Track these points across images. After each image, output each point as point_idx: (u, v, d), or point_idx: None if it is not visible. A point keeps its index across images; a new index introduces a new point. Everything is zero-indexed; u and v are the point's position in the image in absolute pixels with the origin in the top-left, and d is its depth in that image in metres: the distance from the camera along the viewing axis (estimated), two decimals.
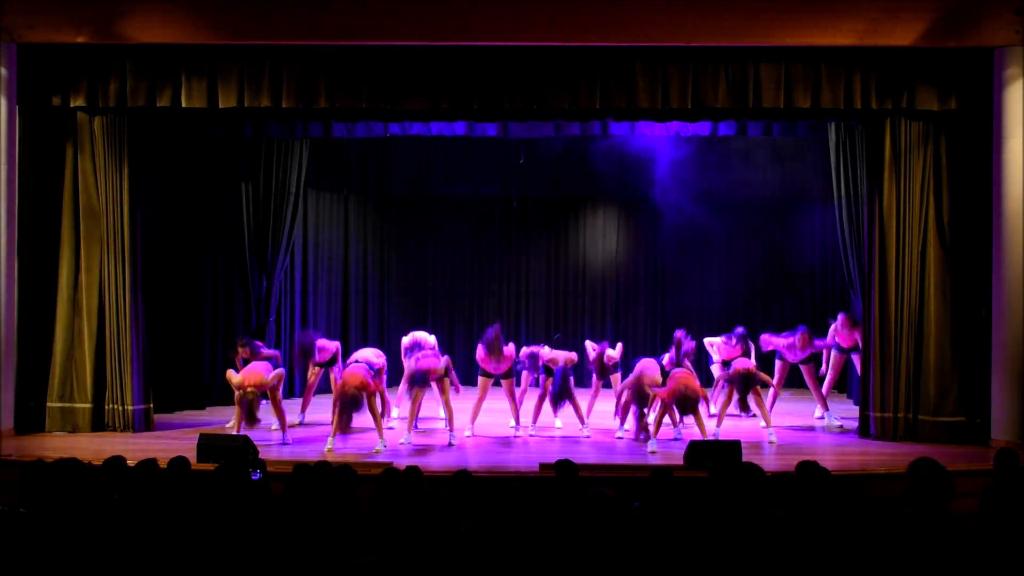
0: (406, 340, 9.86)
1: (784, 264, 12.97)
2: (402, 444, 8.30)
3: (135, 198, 9.12)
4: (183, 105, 8.65)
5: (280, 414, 8.46)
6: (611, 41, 8.45)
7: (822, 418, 9.70)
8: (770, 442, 8.40)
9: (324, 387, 10.39)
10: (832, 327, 9.68)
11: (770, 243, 13.13)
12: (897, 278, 8.76)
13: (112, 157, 8.98)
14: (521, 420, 9.03)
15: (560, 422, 9.40)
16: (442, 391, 8.73)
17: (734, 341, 10.00)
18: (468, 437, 8.75)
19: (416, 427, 8.84)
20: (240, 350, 9.29)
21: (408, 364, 8.94)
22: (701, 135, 10.46)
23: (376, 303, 13.26)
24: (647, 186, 12.52)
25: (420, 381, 8.38)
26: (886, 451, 8.20)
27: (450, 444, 8.37)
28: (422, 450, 8.18)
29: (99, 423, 8.94)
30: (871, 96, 8.55)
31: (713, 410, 9.61)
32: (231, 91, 8.62)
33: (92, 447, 7.84)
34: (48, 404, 8.91)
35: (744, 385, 8.48)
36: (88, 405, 8.90)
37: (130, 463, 5.07)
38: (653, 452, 8.03)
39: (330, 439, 8.10)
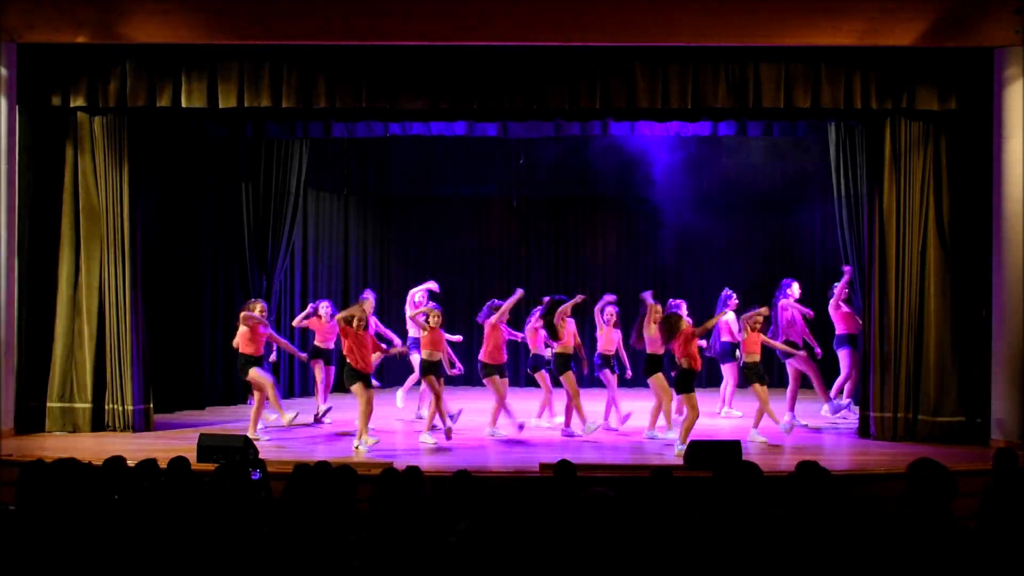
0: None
1: (784, 263, 12.94)
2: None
3: (135, 198, 9.11)
4: (183, 105, 8.65)
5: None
6: (611, 41, 8.44)
7: (824, 416, 9.72)
8: (749, 440, 8.33)
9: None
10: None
11: (770, 242, 13.12)
12: (897, 278, 8.76)
13: (112, 157, 8.98)
14: (519, 419, 9.00)
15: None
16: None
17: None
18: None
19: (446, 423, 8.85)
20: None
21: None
22: (701, 135, 10.46)
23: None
24: (647, 186, 12.51)
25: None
26: (886, 451, 8.20)
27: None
28: (422, 450, 8.18)
29: (99, 423, 8.94)
30: (871, 96, 8.55)
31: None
32: (231, 91, 8.62)
33: (92, 447, 7.82)
34: (48, 404, 8.91)
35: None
36: (88, 405, 8.90)
37: (130, 463, 5.08)
38: (679, 455, 7.64)
39: (360, 438, 8.05)
